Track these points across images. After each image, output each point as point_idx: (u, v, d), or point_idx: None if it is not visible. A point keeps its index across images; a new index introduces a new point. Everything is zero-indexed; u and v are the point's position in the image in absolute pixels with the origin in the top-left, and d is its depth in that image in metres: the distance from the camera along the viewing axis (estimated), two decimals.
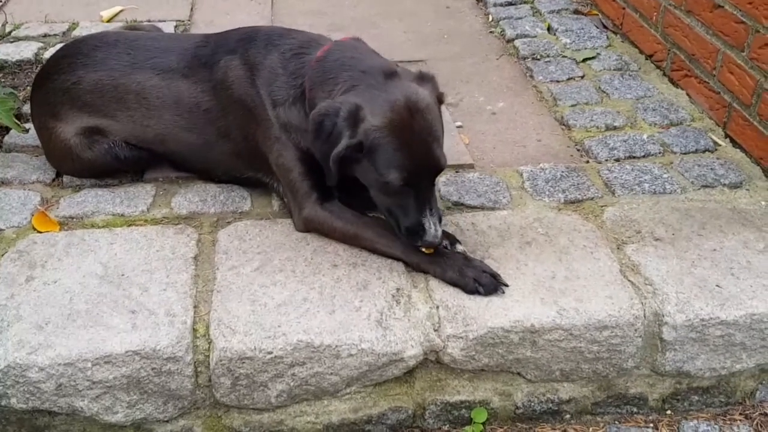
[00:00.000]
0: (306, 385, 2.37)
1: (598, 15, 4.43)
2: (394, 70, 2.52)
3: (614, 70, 3.85)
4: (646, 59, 3.93)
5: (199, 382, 2.35)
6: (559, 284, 2.51)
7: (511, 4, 4.64)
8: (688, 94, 3.58)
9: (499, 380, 2.50)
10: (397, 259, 2.58)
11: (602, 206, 2.88)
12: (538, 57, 4.00)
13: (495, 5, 4.62)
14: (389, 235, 2.59)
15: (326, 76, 2.54)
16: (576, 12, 4.50)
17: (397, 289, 2.49)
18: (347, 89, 2.48)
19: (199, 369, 2.34)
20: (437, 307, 2.43)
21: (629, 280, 2.53)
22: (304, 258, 2.61)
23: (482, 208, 2.87)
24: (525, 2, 4.64)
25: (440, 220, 2.49)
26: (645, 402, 2.59)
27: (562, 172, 3.06)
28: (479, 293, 2.45)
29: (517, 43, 4.13)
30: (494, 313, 2.40)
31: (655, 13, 3.83)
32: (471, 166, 3.13)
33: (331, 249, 2.65)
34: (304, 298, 2.45)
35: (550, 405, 2.54)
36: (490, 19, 4.49)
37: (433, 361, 2.43)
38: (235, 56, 2.72)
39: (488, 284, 2.45)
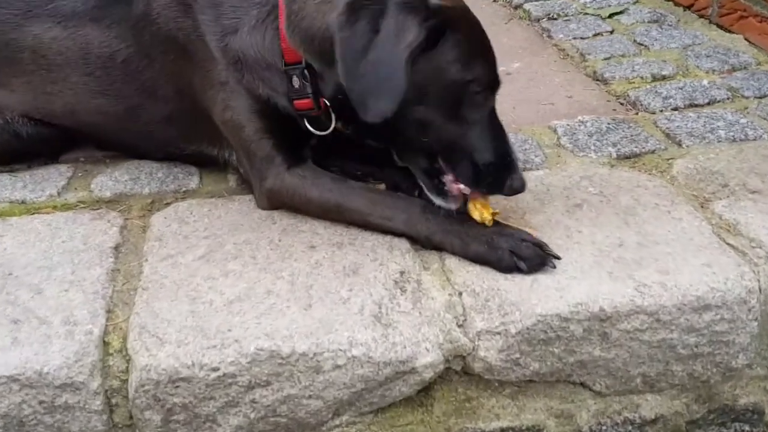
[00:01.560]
0: (274, 416, 1.59)
1: None
2: None
3: (649, 22, 3.15)
4: (685, 10, 3.23)
5: (114, 420, 1.58)
6: (631, 253, 1.75)
7: None
8: (746, 39, 2.87)
9: (556, 395, 1.72)
10: (399, 234, 1.83)
11: (668, 159, 2.14)
12: (555, 17, 3.31)
13: None
14: (386, 202, 1.84)
15: None
16: None
17: (401, 273, 1.73)
18: None
19: (113, 400, 1.56)
20: (460, 294, 1.67)
21: (728, 243, 1.78)
22: (269, 240, 1.85)
23: None
24: None
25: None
26: (761, 417, 1.80)
27: (608, 124, 2.33)
28: (520, 270, 1.69)
29: (528, 6, 3.45)
30: (544, 295, 1.64)
31: None
32: None
33: (306, 227, 1.89)
34: (267, 291, 1.68)
35: (629, 428, 1.75)
36: None
37: (458, 372, 1.66)
38: None
39: (531, 256, 1.69)
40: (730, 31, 2.97)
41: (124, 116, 2.09)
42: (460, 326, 1.63)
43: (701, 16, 3.13)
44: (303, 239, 1.85)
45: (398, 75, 1.64)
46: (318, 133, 1.90)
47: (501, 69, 2.71)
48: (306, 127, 1.89)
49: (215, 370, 1.52)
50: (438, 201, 1.78)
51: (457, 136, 1.74)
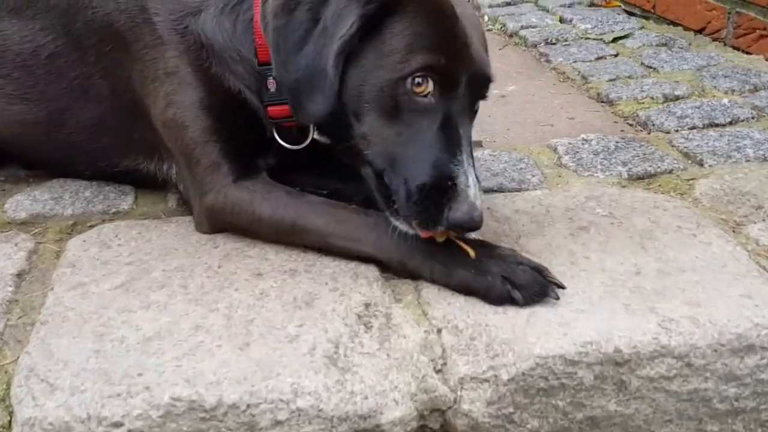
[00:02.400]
0: None
1: (620, 5, 3.50)
2: None
3: (657, 45, 2.88)
4: (696, 34, 2.96)
5: None
6: (651, 282, 1.42)
7: (509, 4, 3.73)
8: (767, 59, 2.59)
9: None
10: (367, 259, 1.50)
11: (689, 179, 1.82)
12: (553, 42, 3.04)
13: (491, 6, 3.70)
14: (351, 219, 1.51)
15: None
16: (592, 5, 3.58)
17: (366, 305, 1.39)
18: None
19: None
20: (439, 331, 1.33)
21: None
22: (207, 266, 1.51)
23: (501, 190, 1.81)
24: (525, 1, 3.73)
25: (479, 181, 1.42)
26: None
27: (617, 143, 2.02)
28: (514, 301, 1.36)
29: (523, 32, 3.18)
30: (544, 332, 1.30)
31: None
32: (478, 143, 2.08)
33: (254, 252, 1.56)
34: (195, 326, 1.34)
35: None
36: (486, 19, 3.55)
37: (435, 430, 1.30)
38: None
39: (529, 284, 1.36)
40: (748, 53, 2.69)
41: (47, 124, 1.78)
42: (438, 371, 1.28)
43: (715, 39, 2.86)
44: (248, 265, 1.51)
45: (329, 71, 1.37)
46: (288, 147, 1.60)
47: (494, 92, 2.45)
48: (273, 138, 1.59)
49: (117, 425, 1.17)
50: (395, 222, 1.43)
51: (398, 147, 1.41)
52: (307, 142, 1.61)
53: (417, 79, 1.38)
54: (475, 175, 1.40)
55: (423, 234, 1.39)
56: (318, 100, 1.39)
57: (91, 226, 1.69)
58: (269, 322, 1.35)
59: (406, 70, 1.37)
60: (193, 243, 1.60)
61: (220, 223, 1.60)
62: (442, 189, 1.35)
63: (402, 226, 1.41)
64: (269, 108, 1.57)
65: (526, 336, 1.29)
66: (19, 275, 1.51)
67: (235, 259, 1.53)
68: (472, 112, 1.49)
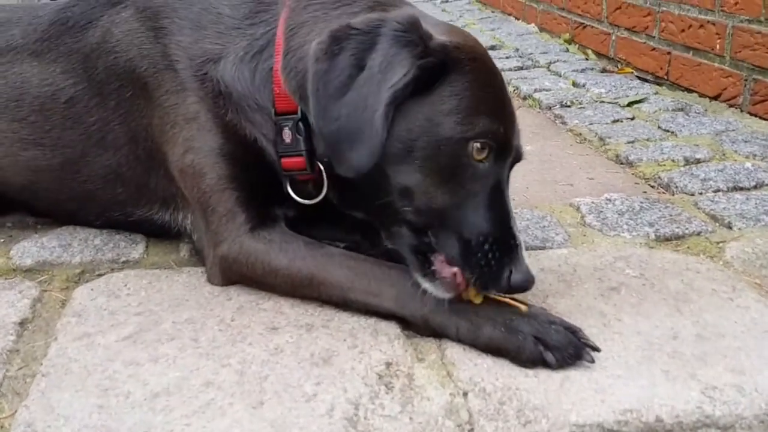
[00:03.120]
0: None
1: (632, 72, 3.49)
2: None
3: (673, 110, 2.84)
4: (712, 100, 2.93)
5: None
6: (690, 347, 1.33)
7: (521, 68, 3.71)
8: None
9: None
10: (388, 315, 1.41)
11: (719, 242, 1.75)
12: (568, 104, 3.00)
13: (503, 70, 3.65)
14: (372, 273, 1.43)
15: (328, 8, 1.50)
16: (604, 71, 3.56)
17: (387, 364, 1.30)
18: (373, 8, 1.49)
19: None
20: (465, 394, 1.23)
21: None
22: (220, 319, 1.42)
23: (525, 248, 1.72)
24: (537, 66, 3.71)
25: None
26: None
27: (641, 203, 1.95)
28: (547, 364, 1.26)
29: (537, 95, 3.15)
30: (579, 398, 1.20)
31: (718, 41, 2.87)
32: None
33: (269, 305, 1.48)
34: (206, 382, 1.24)
35: None
36: None
37: None
38: (124, 5, 1.67)
39: (563, 345, 1.27)
40: (766, 119, 2.65)
41: (60, 171, 1.71)
42: None
43: (731, 106, 2.82)
44: (263, 319, 1.42)
45: (377, 121, 1.29)
46: (301, 201, 1.53)
47: None
48: (287, 192, 1.52)
49: None
50: (425, 285, 1.35)
51: (449, 207, 1.34)
52: (320, 198, 1.53)
53: (478, 144, 1.33)
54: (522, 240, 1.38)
55: (460, 293, 1.33)
56: (362, 151, 1.31)
57: (100, 275, 1.61)
58: (284, 379, 1.25)
59: (469, 133, 1.32)
60: (205, 294, 1.51)
61: (233, 274, 1.52)
62: (506, 248, 1.32)
63: (434, 290, 1.34)
64: (283, 159, 1.51)
65: (560, 402, 1.20)
66: (22, 324, 1.43)
67: (249, 312, 1.45)
68: (509, 179, 1.45)
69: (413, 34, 1.34)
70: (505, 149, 1.38)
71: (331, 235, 1.61)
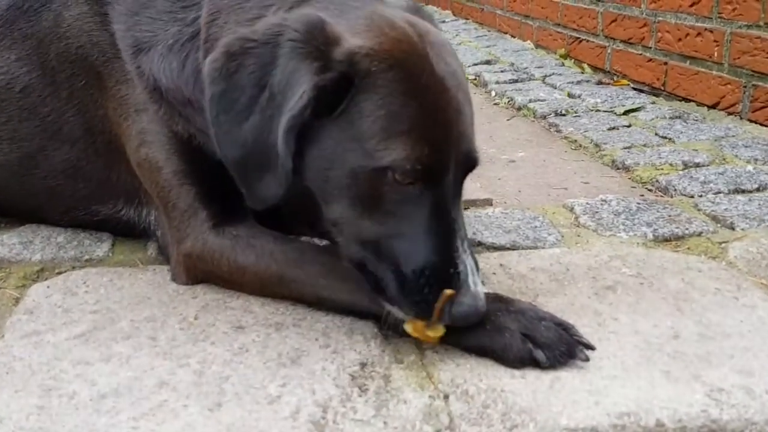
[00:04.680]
0: None
1: (628, 84, 3.38)
2: None
3: (670, 118, 2.73)
4: (710, 109, 2.82)
5: None
6: (693, 347, 1.20)
7: (516, 81, 3.61)
8: None
9: None
10: (364, 314, 1.28)
11: (721, 242, 1.62)
12: (563, 113, 2.89)
13: (497, 83, 3.58)
14: (348, 270, 1.28)
15: None
16: (600, 83, 3.46)
17: (362, 365, 1.17)
18: (291, 8, 1.27)
19: None
20: (446, 397, 1.10)
21: None
22: (182, 318, 1.30)
23: (514, 247, 1.61)
24: (532, 79, 3.61)
25: (477, 266, 1.19)
26: None
27: (638, 204, 1.83)
28: (536, 362, 1.13)
29: (532, 105, 3.04)
30: (571, 400, 1.07)
31: (716, 49, 2.77)
32: (488, 202, 1.89)
33: (237, 303, 1.35)
34: (160, 383, 1.11)
35: None
36: (494, 94, 3.42)
37: None
38: None
39: (553, 342, 1.14)
40: (767, 126, 2.53)
41: (18, 167, 1.59)
42: None
43: (730, 113, 2.71)
44: (229, 318, 1.30)
45: (280, 150, 1.13)
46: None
47: (503, 157, 2.30)
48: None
49: None
50: (388, 307, 1.20)
51: (381, 237, 1.18)
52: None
53: (398, 171, 1.14)
54: (474, 260, 1.18)
55: (412, 330, 1.18)
56: (269, 183, 1.17)
57: (60, 273, 1.48)
58: (247, 380, 1.12)
59: (384, 161, 1.13)
60: (169, 293, 1.39)
61: (198, 272, 1.39)
62: (442, 278, 1.13)
63: (397, 313, 1.19)
64: None
65: (549, 404, 1.07)
66: None
67: (215, 311, 1.32)
68: (461, 189, 1.24)
69: (312, 44, 1.15)
70: (437, 170, 1.16)
71: (305, 231, 1.49)
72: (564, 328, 1.16)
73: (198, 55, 1.37)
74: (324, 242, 1.53)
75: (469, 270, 1.16)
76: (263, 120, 1.15)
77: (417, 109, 1.15)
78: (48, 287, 1.41)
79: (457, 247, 1.17)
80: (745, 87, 2.65)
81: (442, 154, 1.16)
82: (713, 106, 2.81)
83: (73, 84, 1.50)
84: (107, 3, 1.47)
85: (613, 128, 2.64)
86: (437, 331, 1.17)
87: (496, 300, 1.20)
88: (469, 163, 1.22)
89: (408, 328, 1.19)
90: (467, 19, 5.89)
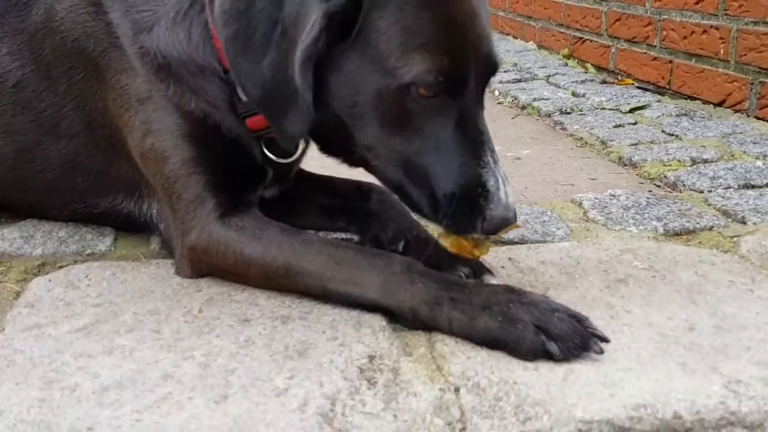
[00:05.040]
0: None
1: (633, 83, 3.36)
2: None
3: (677, 116, 2.71)
4: (716, 107, 2.79)
5: None
6: (709, 339, 1.17)
7: (520, 80, 3.59)
8: None
9: None
10: (373, 306, 1.25)
11: (733, 237, 1.60)
12: (568, 111, 2.87)
13: (501, 82, 3.56)
14: (355, 261, 1.27)
15: None
16: (604, 82, 3.44)
17: (370, 358, 1.14)
18: None
19: None
20: (456, 390, 1.07)
21: None
22: (186, 311, 1.27)
23: (523, 242, 1.58)
24: (536, 79, 3.59)
25: (506, 176, 1.23)
26: None
27: (648, 199, 1.80)
28: (549, 355, 1.10)
29: (536, 104, 3.02)
30: (586, 392, 1.04)
31: (722, 46, 2.75)
32: None
33: (242, 296, 1.32)
34: (164, 375, 1.09)
35: None
36: (497, 93, 3.40)
37: None
38: None
39: (567, 334, 1.11)
40: None
41: (14, 160, 1.56)
42: None
43: (737, 111, 2.69)
44: (234, 311, 1.27)
45: (298, 84, 1.13)
46: (280, 161, 1.38)
47: (508, 155, 2.27)
48: (263, 154, 1.37)
49: None
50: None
51: (412, 155, 1.20)
52: (298, 153, 1.41)
53: (420, 86, 1.15)
54: (502, 171, 1.21)
55: (458, 249, 1.22)
56: (293, 118, 1.16)
57: (61, 267, 1.46)
58: (253, 372, 1.10)
59: (406, 78, 1.15)
60: (173, 286, 1.36)
61: (203, 265, 1.37)
62: (473, 198, 1.16)
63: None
64: (247, 120, 1.34)
65: (564, 396, 1.04)
66: None
67: (219, 304, 1.29)
68: (483, 96, 1.25)
69: None
70: (460, 78, 1.18)
71: (314, 223, 1.47)
72: (578, 320, 1.12)
73: (203, 18, 1.35)
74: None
75: (500, 180, 1.18)
76: (279, 55, 1.15)
77: (432, 18, 1.15)
78: (49, 281, 1.38)
79: (487, 158, 1.19)
80: (752, 84, 2.62)
81: (462, 62, 1.17)
82: (719, 104, 2.79)
83: (70, 78, 1.47)
84: None
85: (619, 126, 2.62)
86: (483, 249, 1.22)
87: (507, 291, 1.17)
88: (490, 67, 1.23)
89: (453, 248, 1.23)
90: None
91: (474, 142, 1.19)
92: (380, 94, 1.17)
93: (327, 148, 1.33)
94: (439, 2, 1.16)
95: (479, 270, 1.31)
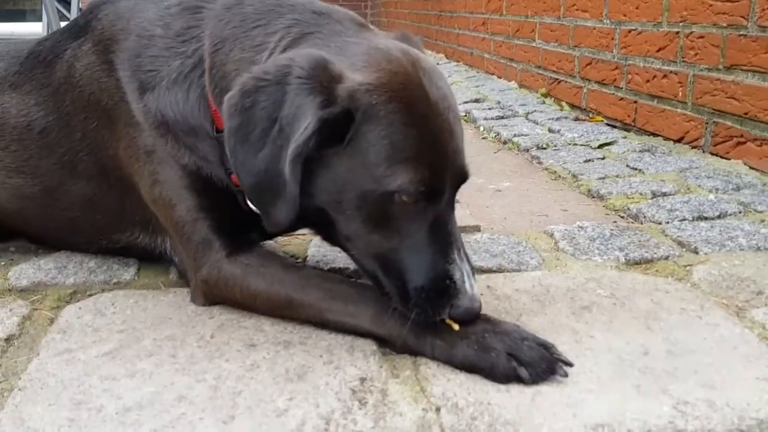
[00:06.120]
0: None
1: (602, 120, 3.39)
2: (364, 21, 1.37)
3: (640, 151, 2.73)
4: (675, 143, 2.82)
5: None
6: (661, 363, 1.19)
7: (502, 117, 3.62)
8: (745, 163, 2.43)
9: None
10: (364, 334, 1.27)
11: (686, 265, 1.61)
12: (544, 146, 2.90)
13: (485, 119, 3.60)
14: (348, 294, 1.30)
15: (248, 26, 1.34)
16: (577, 119, 3.47)
17: (361, 380, 1.16)
18: (295, 39, 1.29)
19: None
20: (437, 409, 1.09)
21: None
22: (199, 336, 1.29)
23: (500, 270, 1.60)
24: (516, 116, 3.62)
25: (473, 269, 1.22)
26: None
27: (612, 230, 1.82)
28: (521, 380, 1.12)
29: (516, 139, 3.05)
30: (551, 412, 1.06)
31: (680, 89, 2.78)
32: (477, 228, 1.89)
33: (250, 323, 1.34)
34: (179, 397, 1.10)
35: None
36: (482, 129, 3.44)
37: None
38: (84, 38, 1.53)
39: (536, 361, 1.13)
40: (726, 158, 2.53)
41: (42, 199, 1.59)
42: None
43: (694, 147, 2.71)
44: (242, 336, 1.29)
45: (286, 176, 1.14)
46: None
47: (490, 187, 2.29)
48: (246, 206, 1.36)
49: None
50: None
51: (387, 251, 1.20)
52: None
53: (404, 194, 1.16)
54: (469, 264, 1.21)
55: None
56: (281, 208, 1.17)
57: (90, 295, 1.48)
58: (258, 394, 1.11)
59: (391, 186, 1.15)
60: (188, 313, 1.38)
61: (215, 296, 1.39)
62: (440, 290, 1.17)
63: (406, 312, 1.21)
64: (233, 176, 1.34)
65: (531, 416, 1.06)
66: (8, 340, 1.29)
67: (229, 330, 1.31)
68: (454, 201, 1.25)
69: (317, 80, 1.14)
70: (438, 188, 1.19)
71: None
72: (545, 347, 1.15)
73: (201, 82, 1.37)
74: (329, 266, 1.54)
75: (465, 275, 1.18)
76: (274, 150, 1.16)
77: (416, 136, 1.17)
78: (80, 308, 1.40)
79: (454, 256, 1.19)
80: (706, 123, 2.65)
81: (440, 174, 1.19)
82: (678, 141, 2.81)
83: (86, 126, 1.50)
84: (112, 51, 1.46)
85: (589, 160, 2.64)
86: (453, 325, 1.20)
87: (484, 321, 1.19)
88: (461, 177, 1.24)
89: None
90: (458, 61, 5.92)
91: (444, 243, 1.19)
92: (366, 196, 1.17)
93: (311, 229, 1.35)
94: (422, 121, 1.17)
95: None
